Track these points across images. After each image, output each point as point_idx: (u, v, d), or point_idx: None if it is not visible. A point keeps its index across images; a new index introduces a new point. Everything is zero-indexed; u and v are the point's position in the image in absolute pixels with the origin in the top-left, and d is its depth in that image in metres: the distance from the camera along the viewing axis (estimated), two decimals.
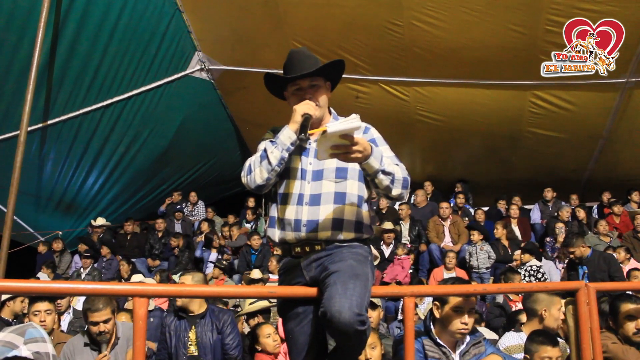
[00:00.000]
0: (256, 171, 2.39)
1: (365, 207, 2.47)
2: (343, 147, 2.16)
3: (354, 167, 2.44)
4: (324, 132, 2.12)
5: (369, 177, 2.34)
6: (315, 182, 2.44)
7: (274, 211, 2.52)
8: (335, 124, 2.15)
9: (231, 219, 11.15)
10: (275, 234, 2.49)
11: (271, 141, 2.40)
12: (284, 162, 2.39)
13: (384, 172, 2.29)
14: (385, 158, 2.32)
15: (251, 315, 5.53)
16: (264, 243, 9.12)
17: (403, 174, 2.36)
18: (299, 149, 2.47)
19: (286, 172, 2.46)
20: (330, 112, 2.59)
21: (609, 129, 9.01)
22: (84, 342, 3.82)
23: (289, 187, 2.46)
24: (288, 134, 2.37)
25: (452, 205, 9.65)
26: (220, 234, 9.92)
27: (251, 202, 11.11)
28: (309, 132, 2.30)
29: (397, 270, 7.92)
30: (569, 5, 7.07)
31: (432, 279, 7.87)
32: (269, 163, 2.36)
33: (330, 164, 2.42)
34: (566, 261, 7.17)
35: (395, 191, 2.34)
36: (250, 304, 5.60)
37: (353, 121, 2.14)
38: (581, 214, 9.11)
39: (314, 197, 2.42)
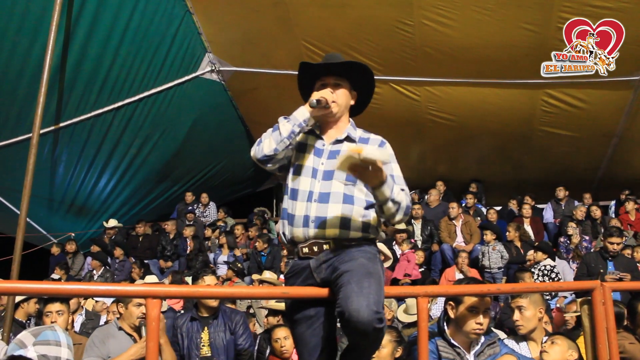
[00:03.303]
0: (265, 142, 2.49)
1: (372, 210, 2.49)
2: (362, 168, 2.23)
3: None
4: (359, 154, 2.17)
5: (377, 203, 2.41)
6: (326, 181, 2.48)
7: (285, 203, 2.58)
8: (371, 150, 2.22)
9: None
10: (286, 228, 2.52)
11: (285, 117, 2.50)
12: (295, 136, 2.47)
13: (393, 201, 2.36)
14: (395, 186, 2.38)
15: (272, 313, 5.43)
16: (274, 244, 9.11)
17: (407, 202, 2.44)
18: (311, 148, 2.53)
19: (298, 169, 2.54)
20: (349, 121, 2.64)
21: (622, 128, 8.93)
22: (118, 327, 3.78)
23: (300, 184, 2.52)
24: (302, 112, 2.48)
25: (463, 205, 9.60)
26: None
27: (256, 209, 11.13)
28: (354, 150, 2.29)
29: (404, 266, 7.90)
30: (581, 3, 7.01)
31: (443, 279, 7.83)
32: (280, 134, 2.44)
33: None
34: (599, 248, 7.18)
35: (398, 218, 2.43)
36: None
37: (384, 152, 2.33)
38: (597, 213, 9.00)
39: (322, 195, 2.46)
